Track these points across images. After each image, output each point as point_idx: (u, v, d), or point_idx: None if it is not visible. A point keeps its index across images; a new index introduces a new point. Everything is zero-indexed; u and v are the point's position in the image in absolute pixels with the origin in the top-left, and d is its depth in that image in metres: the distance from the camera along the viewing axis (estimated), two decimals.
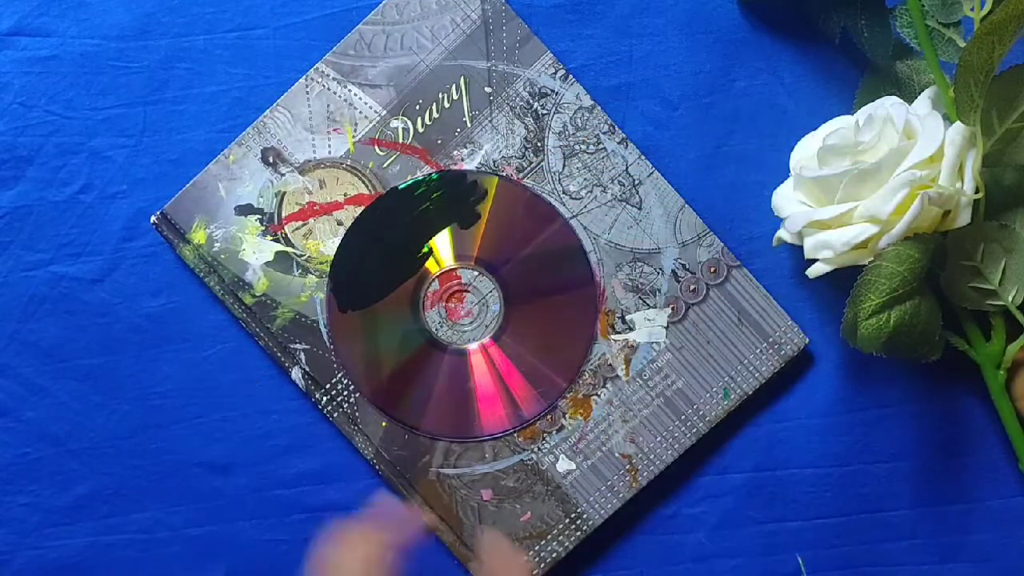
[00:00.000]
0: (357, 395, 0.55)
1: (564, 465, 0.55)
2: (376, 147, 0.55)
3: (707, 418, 0.54)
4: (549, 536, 0.55)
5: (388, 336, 0.55)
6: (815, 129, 0.52)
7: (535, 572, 0.54)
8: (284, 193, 0.55)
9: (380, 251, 0.55)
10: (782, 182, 0.52)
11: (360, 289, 0.55)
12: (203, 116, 0.56)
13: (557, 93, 0.54)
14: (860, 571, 0.56)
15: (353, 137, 0.55)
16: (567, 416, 0.55)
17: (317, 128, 0.54)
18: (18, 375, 0.56)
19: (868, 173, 0.47)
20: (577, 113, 0.54)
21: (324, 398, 0.55)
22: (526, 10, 0.56)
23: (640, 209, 0.54)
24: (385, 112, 0.54)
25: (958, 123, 0.47)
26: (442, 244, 0.55)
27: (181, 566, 0.56)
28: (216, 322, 0.56)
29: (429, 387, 0.55)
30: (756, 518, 0.56)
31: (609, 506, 0.54)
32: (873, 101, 0.50)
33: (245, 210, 0.54)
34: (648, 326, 0.54)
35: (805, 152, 0.51)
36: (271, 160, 0.54)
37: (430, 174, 0.55)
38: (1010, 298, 0.50)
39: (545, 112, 0.54)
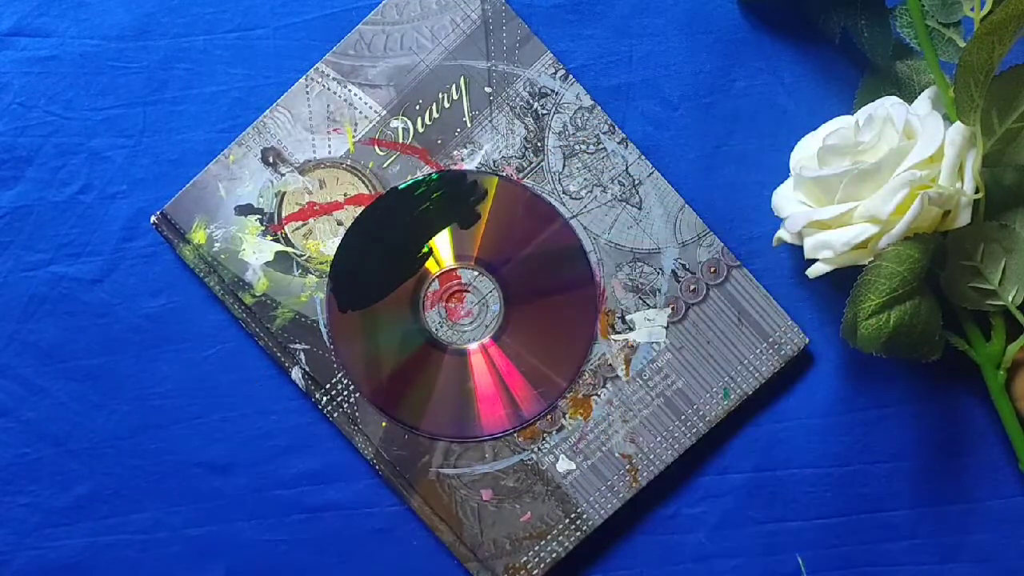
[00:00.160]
0: (357, 395, 0.55)
1: (564, 465, 0.55)
2: (376, 147, 0.55)
3: (707, 418, 0.54)
4: (549, 536, 0.55)
5: (388, 336, 0.55)
6: (815, 129, 0.52)
7: (535, 572, 0.54)
8: (284, 193, 0.55)
9: (380, 251, 0.55)
10: (782, 182, 0.52)
11: (360, 289, 0.55)
12: (203, 116, 0.56)
13: (557, 93, 0.54)
14: (860, 571, 0.56)
15: (353, 137, 0.54)
16: (567, 416, 0.55)
17: (317, 128, 0.54)
18: (18, 375, 0.56)
19: (868, 173, 0.47)
20: (577, 113, 0.54)
21: (324, 398, 0.55)
22: (526, 10, 0.56)
23: (640, 209, 0.54)
24: (385, 112, 0.54)
25: (958, 123, 0.47)
26: (442, 244, 0.55)
27: (181, 566, 0.56)
28: (216, 322, 0.56)
29: (429, 387, 0.55)
30: (756, 518, 0.56)
31: (609, 506, 0.54)
32: (873, 101, 0.50)
33: (245, 210, 0.54)
34: (648, 326, 0.54)
35: (805, 152, 0.51)
36: (271, 160, 0.54)
37: (430, 174, 0.55)
38: (1010, 298, 0.50)
39: (545, 112, 0.54)
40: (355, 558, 0.56)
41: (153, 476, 0.56)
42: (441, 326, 0.55)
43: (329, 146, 0.54)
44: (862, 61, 0.54)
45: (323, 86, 0.54)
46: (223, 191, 0.54)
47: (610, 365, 0.54)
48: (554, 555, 0.55)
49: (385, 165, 0.55)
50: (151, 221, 0.55)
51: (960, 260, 0.51)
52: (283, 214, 0.55)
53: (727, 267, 0.54)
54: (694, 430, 0.54)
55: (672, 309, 0.54)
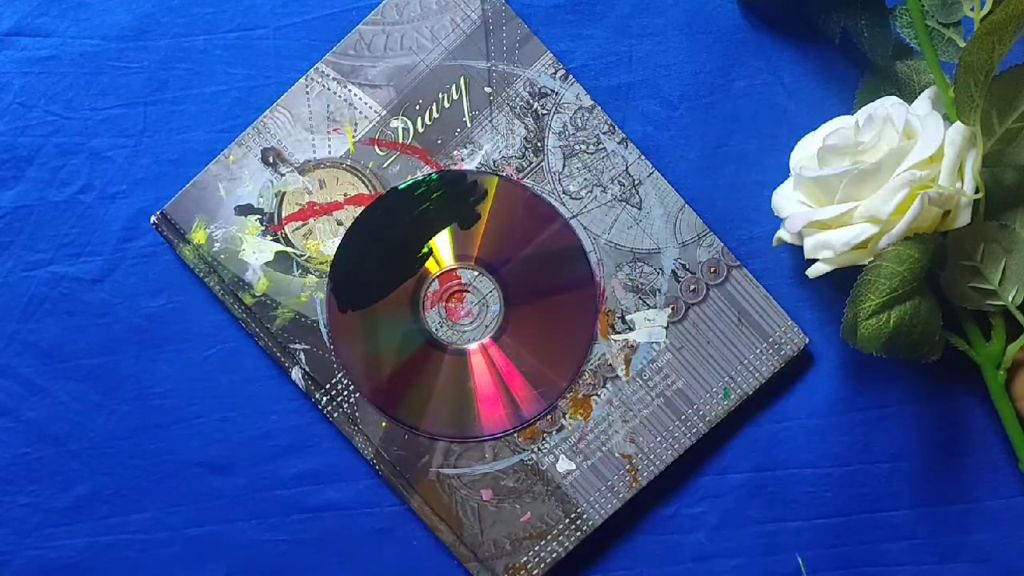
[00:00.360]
0: (357, 395, 0.55)
1: (564, 465, 0.55)
2: (376, 147, 0.55)
3: (707, 418, 0.54)
4: (549, 536, 0.55)
5: (388, 336, 0.55)
6: (815, 129, 0.52)
7: (535, 572, 0.54)
8: (284, 193, 0.55)
9: (380, 251, 0.55)
10: (782, 182, 0.52)
11: (360, 289, 0.55)
12: (203, 116, 0.56)
13: (557, 93, 0.54)
14: (860, 571, 0.56)
15: (353, 137, 0.54)
16: (567, 416, 0.55)
17: (317, 128, 0.54)
18: (18, 375, 0.56)
19: (868, 173, 0.47)
20: (577, 113, 0.54)
21: (324, 398, 0.55)
22: (526, 10, 0.56)
23: (640, 209, 0.54)
24: (385, 112, 0.54)
25: (958, 123, 0.47)
26: (442, 244, 0.55)
27: (181, 566, 0.56)
28: (216, 322, 0.56)
29: (429, 387, 0.55)
30: (756, 518, 0.56)
31: (609, 506, 0.54)
32: (873, 101, 0.50)
33: (245, 210, 0.54)
34: (648, 326, 0.54)
35: (805, 152, 0.51)
36: (271, 160, 0.54)
37: (430, 174, 0.55)
38: (1010, 298, 0.50)
39: (545, 112, 0.54)
40: (355, 558, 0.56)
41: (153, 476, 0.56)
42: (441, 326, 0.55)
43: (329, 146, 0.54)
44: (862, 61, 0.54)
45: (323, 86, 0.54)
46: (223, 191, 0.54)
47: (610, 365, 0.54)
48: (554, 555, 0.55)
49: (385, 165, 0.55)
50: (151, 221, 0.55)
51: (960, 260, 0.51)
52: (283, 214, 0.55)
53: (727, 267, 0.54)
54: (694, 430, 0.54)
55: (672, 309, 0.54)
